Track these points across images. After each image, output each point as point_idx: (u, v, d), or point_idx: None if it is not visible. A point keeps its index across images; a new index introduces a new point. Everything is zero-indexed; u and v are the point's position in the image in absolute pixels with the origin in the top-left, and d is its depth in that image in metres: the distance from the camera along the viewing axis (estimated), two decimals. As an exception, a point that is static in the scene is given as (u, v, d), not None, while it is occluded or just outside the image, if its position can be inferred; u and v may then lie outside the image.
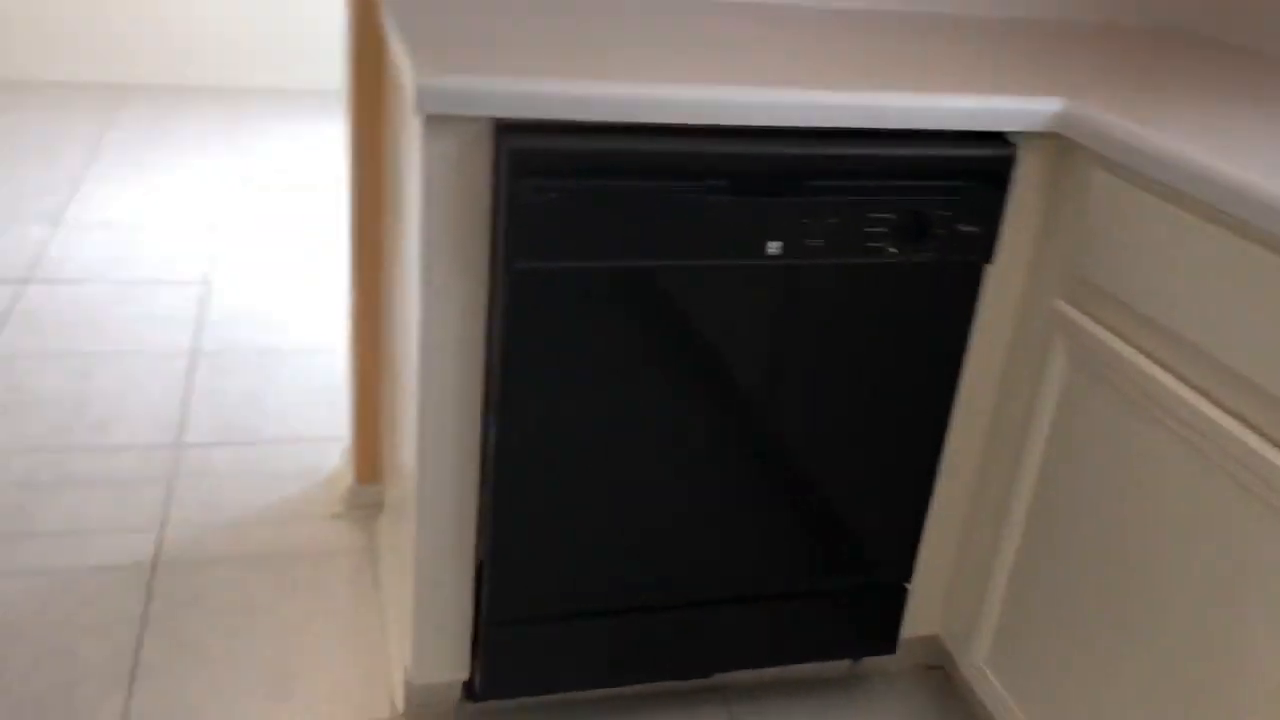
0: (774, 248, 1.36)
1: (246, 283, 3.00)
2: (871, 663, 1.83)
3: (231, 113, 4.42)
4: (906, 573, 1.66)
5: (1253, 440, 1.12)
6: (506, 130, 1.25)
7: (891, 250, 1.40)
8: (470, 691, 1.62)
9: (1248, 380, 1.13)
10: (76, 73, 4.56)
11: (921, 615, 1.72)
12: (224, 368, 2.57)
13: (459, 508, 1.45)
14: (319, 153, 4.03)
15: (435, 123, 1.24)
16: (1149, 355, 1.28)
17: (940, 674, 1.83)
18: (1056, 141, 1.43)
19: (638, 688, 1.74)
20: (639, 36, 1.53)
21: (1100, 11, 2.02)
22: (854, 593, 1.66)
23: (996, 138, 1.42)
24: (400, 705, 1.66)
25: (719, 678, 1.77)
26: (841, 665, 1.82)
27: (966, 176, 1.39)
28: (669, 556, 1.54)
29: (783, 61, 1.47)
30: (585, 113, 1.24)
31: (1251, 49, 1.92)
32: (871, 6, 1.93)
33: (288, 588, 1.89)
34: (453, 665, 1.56)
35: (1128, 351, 1.30)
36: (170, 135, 4.11)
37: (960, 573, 1.68)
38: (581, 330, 1.36)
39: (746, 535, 1.56)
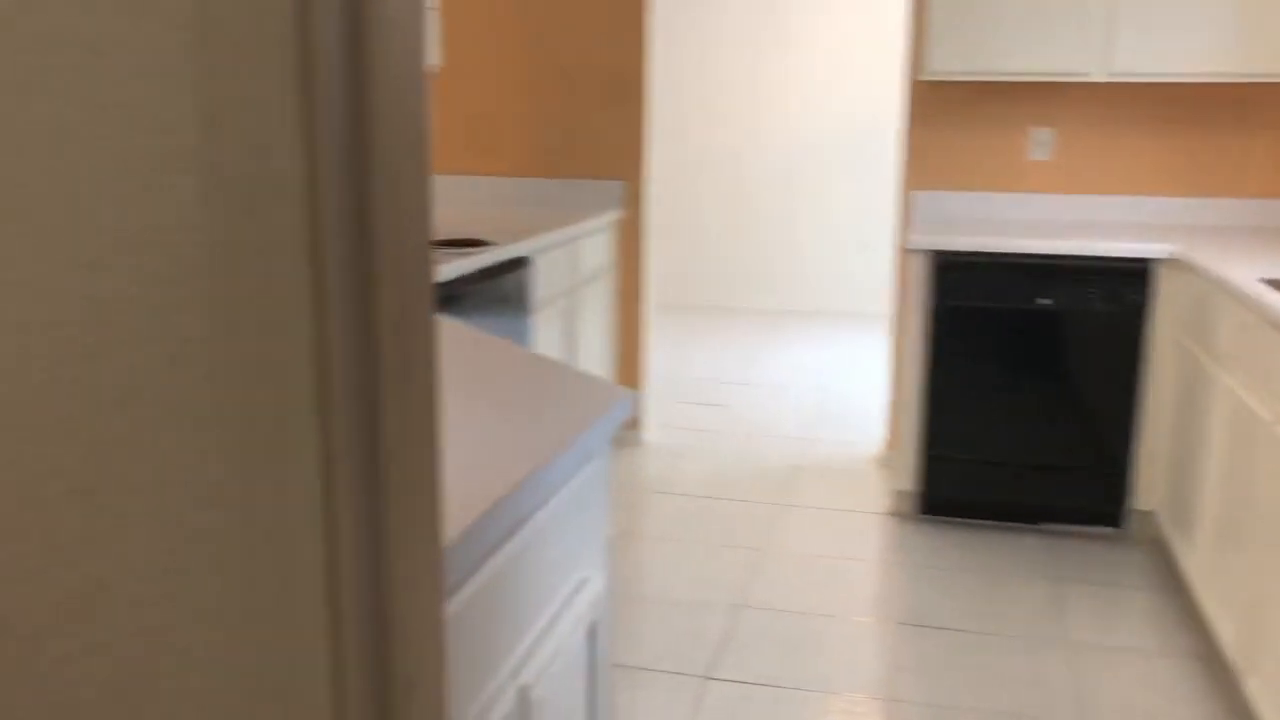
0: (1047, 301, 3.49)
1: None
2: (1133, 532, 3.66)
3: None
4: (1126, 468, 3.55)
5: None
6: (937, 254, 3.57)
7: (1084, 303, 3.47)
8: (920, 507, 3.78)
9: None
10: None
11: (1143, 497, 3.57)
12: (829, 414, 5.02)
13: (919, 408, 3.69)
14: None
15: (911, 253, 3.60)
16: (1189, 337, 3.22)
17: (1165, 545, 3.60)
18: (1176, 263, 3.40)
19: (995, 523, 3.75)
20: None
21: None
22: (1102, 474, 3.57)
23: (1139, 261, 3.43)
24: (889, 507, 3.86)
25: (1044, 526, 3.72)
26: (1108, 530, 3.67)
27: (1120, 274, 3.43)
28: (1013, 441, 3.62)
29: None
30: (955, 246, 3.53)
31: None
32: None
33: (848, 485, 4.19)
34: (912, 482, 3.74)
35: None
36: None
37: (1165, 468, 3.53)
38: (966, 335, 3.58)
39: (1055, 431, 3.59)
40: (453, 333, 1.97)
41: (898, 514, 3.84)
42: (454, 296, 2.91)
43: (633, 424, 4.55)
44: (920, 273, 3.63)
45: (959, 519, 3.79)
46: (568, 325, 3.85)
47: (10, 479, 0.62)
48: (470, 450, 1.29)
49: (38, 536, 0.62)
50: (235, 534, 0.59)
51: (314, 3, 0.56)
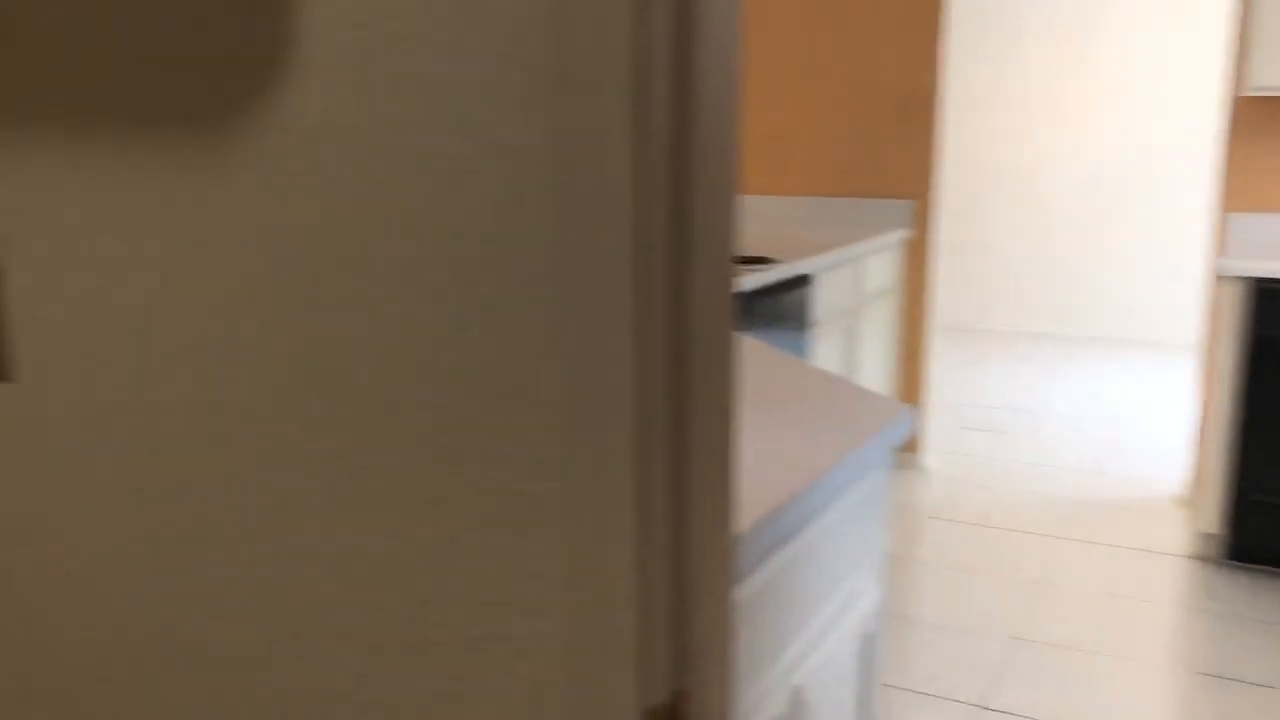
0: (1382, 336, 3.17)
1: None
2: None
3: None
4: None
5: None
6: (1255, 281, 3.32)
7: None
8: (1226, 552, 3.51)
9: None
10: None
11: None
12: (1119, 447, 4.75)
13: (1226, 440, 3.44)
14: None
15: (1225, 279, 3.36)
16: None
17: None
18: None
19: (1321, 575, 3.43)
20: (1342, 257, 3.45)
21: None
22: None
23: None
24: (1189, 549, 3.62)
25: (1372, 582, 3.37)
26: None
27: None
28: (1332, 487, 3.31)
29: None
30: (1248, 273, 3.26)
31: None
32: None
33: (1142, 524, 3.96)
34: (1217, 525, 3.49)
35: None
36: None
37: None
38: (1286, 367, 3.31)
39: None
40: (740, 344, 2.05)
41: (1199, 558, 3.59)
42: (738, 311, 3.01)
43: (912, 447, 4.49)
44: (1234, 300, 3.39)
45: (1270, 567, 3.50)
46: (848, 343, 3.87)
47: (391, 445, 0.75)
48: (755, 455, 1.36)
49: (406, 493, 0.75)
50: (563, 502, 0.69)
51: (649, 50, 0.65)
